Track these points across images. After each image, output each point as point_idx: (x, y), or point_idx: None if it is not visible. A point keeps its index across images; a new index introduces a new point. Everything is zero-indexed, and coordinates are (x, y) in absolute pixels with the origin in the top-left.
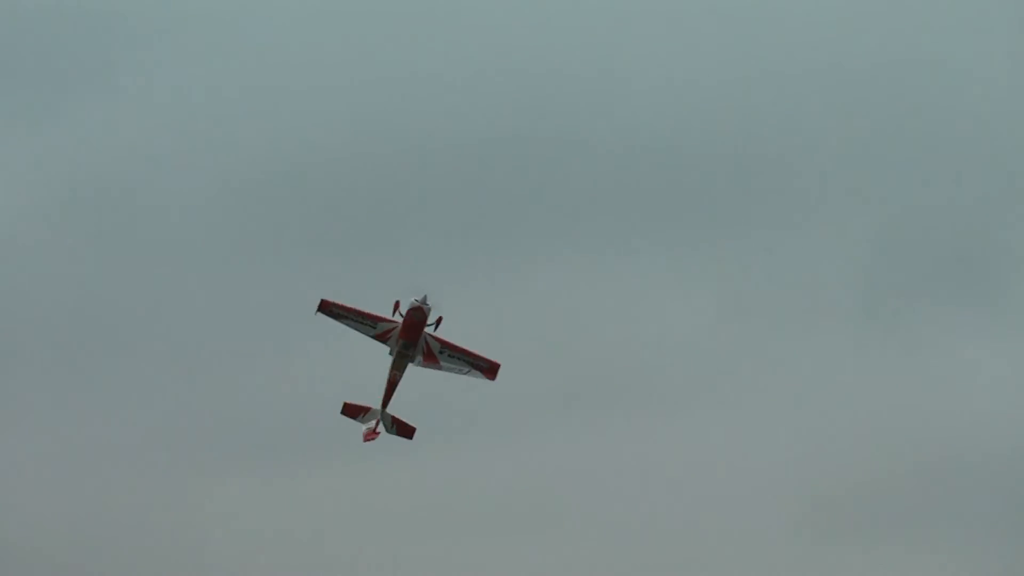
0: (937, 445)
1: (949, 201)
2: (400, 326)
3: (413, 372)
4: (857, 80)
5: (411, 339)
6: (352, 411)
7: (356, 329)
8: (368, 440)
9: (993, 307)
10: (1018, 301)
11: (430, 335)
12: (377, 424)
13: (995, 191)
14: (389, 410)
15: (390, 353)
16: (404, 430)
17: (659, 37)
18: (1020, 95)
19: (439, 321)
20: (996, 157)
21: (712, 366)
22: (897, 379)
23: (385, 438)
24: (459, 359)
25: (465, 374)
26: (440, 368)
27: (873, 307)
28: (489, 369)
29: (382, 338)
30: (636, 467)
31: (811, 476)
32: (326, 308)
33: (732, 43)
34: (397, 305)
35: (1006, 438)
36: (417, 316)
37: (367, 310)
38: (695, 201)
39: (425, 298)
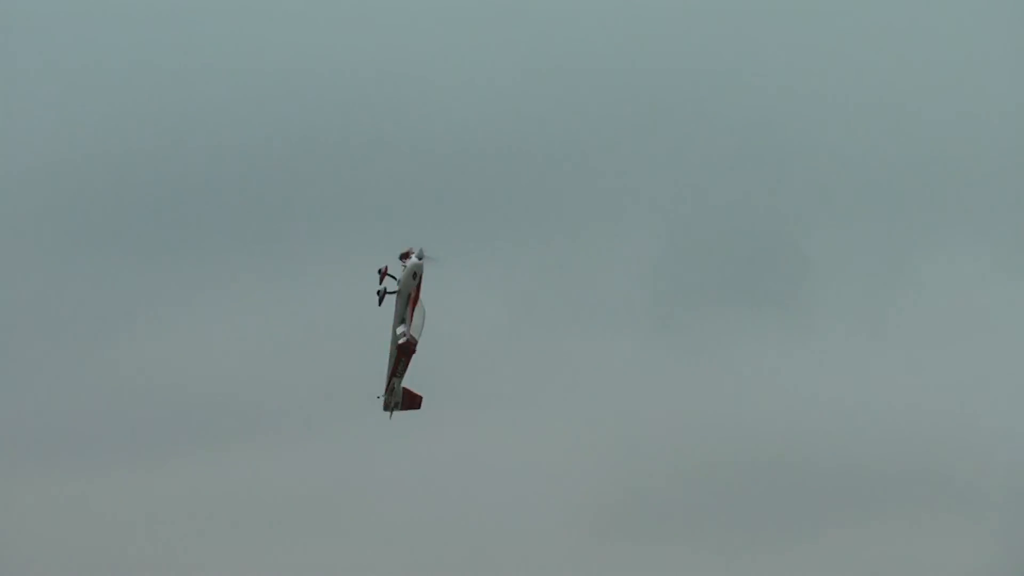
0: (724, 446)
1: (741, 205)
2: (417, 290)
3: None
4: (653, 82)
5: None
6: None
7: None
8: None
9: (783, 310)
10: (808, 304)
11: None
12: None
13: (789, 195)
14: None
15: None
16: (412, 399)
17: (456, 37)
18: (819, 99)
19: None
20: (789, 161)
21: (504, 368)
22: (687, 381)
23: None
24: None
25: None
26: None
27: (664, 309)
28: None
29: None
30: (427, 467)
31: (600, 477)
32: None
33: (527, 44)
34: (385, 271)
35: (793, 440)
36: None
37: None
38: (487, 203)
39: (422, 251)
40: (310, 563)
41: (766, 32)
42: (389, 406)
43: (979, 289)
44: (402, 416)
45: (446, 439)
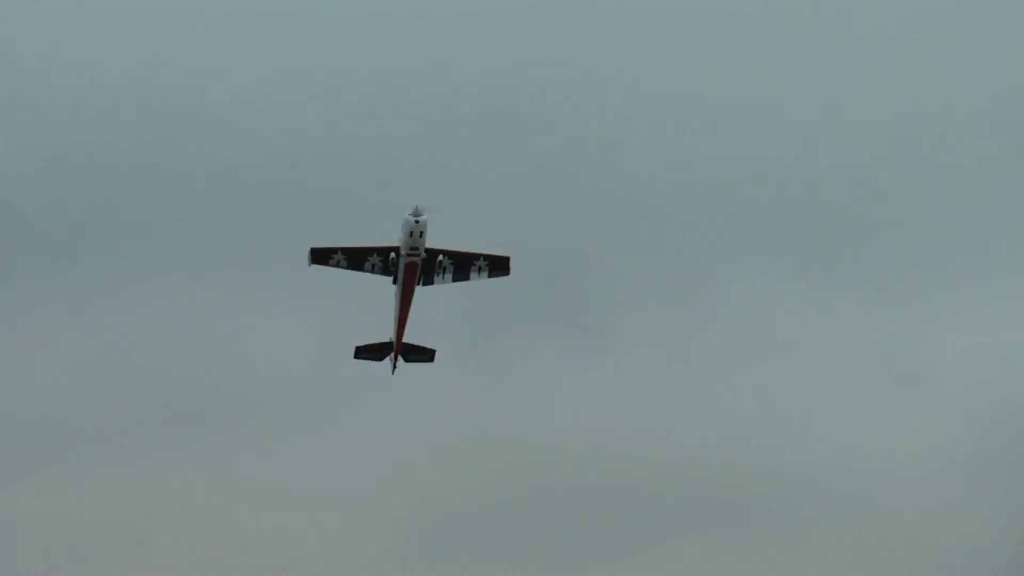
0: (532, 473)
1: (544, 231)
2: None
3: None
4: (458, 107)
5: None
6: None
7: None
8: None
9: (589, 337)
10: (612, 330)
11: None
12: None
13: (588, 222)
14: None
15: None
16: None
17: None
18: (617, 126)
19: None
20: (591, 190)
21: (309, 392)
22: (495, 407)
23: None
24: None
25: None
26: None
27: (471, 335)
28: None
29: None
30: (232, 492)
31: (407, 503)
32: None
33: (326, 65)
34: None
35: (601, 465)
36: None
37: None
38: (294, 223)
39: (417, 208)
40: None
41: (566, 60)
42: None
43: (778, 312)
44: (210, 440)
45: (250, 464)
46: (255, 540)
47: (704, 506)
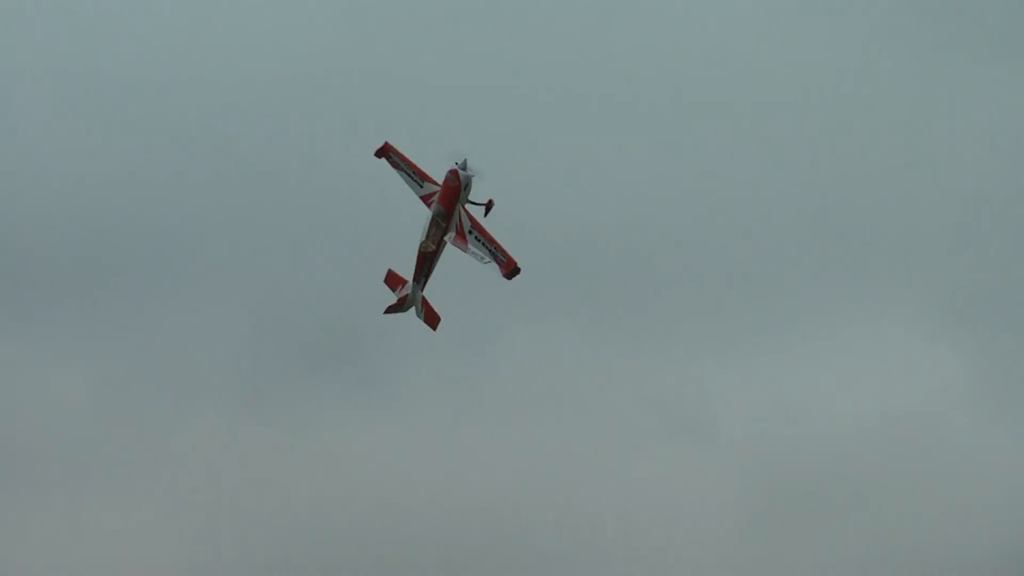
0: (317, 523)
1: (325, 279)
2: (440, 191)
3: None
4: (245, 156)
5: (447, 207)
6: (394, 281)
7: (407, 182)
8: (389, 312)
9: (371, 385)
10: (394, 378)
11: (466, 211)
12: (405, 296)
13: (374, 271)
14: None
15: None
16: (431, 318)
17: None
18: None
19: (489, 205)
20: (376, 232)
21: (86, 448)
22: (279, 457)
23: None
24: (485, 244)
25: (486, 263)
26: (467, 251)
27: (253, 384)
28: (506, 264)
29: (426, 200)
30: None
31: (192, 558)
32: (387, 153)
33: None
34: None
35: (384, 517)
36: (452, 182)
37: (422, 168)
38: (67, 269)
39: (465, 163)
40: None
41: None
42: (399, 308)
43: (561, 365)
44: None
45: (30, 523)
46: None
47: (487, 559)
